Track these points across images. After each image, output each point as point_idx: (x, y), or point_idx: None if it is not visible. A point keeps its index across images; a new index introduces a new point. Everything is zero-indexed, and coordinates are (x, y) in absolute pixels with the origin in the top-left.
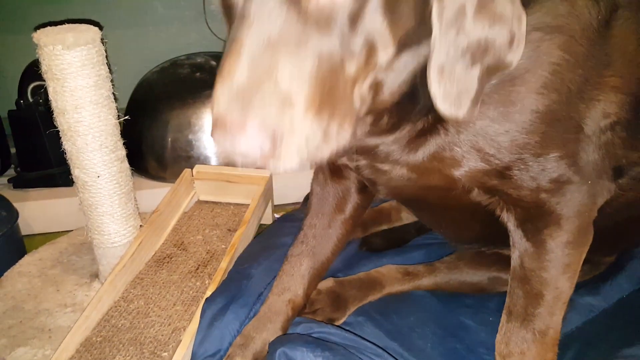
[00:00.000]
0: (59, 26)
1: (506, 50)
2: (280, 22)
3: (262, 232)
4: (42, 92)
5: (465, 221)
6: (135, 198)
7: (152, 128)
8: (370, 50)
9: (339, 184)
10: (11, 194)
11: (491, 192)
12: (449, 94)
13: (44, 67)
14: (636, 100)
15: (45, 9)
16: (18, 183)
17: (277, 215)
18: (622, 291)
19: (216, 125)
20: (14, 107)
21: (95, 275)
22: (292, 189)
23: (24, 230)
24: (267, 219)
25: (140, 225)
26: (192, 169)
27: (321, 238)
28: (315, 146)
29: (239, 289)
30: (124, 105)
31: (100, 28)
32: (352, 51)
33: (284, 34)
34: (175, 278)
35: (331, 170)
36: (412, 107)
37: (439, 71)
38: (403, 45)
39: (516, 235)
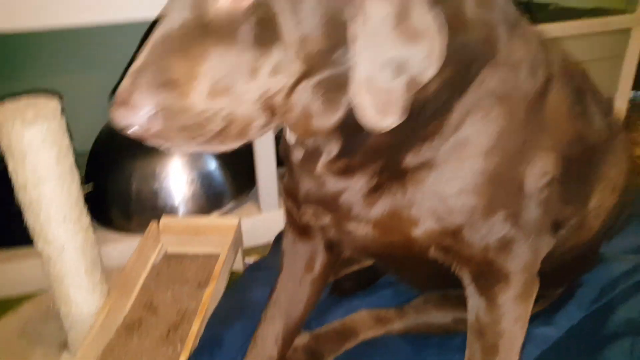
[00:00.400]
0: (18, 100)
1: (423, 66)
2: (181, 21)
3: (233, 284)
4: None
5: (428, 273)
6: (101, 263)
7: (116, 178)
8: (269, 64)
9: (307, 243)
10: None
11: (446, 250)
12: (374, 105)
13: (3, 144)
14: (567, 159)
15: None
16: None
17: (247, 261)
18: (572, 319)
19: (114, 101)
20: None
21: (64, 345)
22: (261, 230)
23: None
24: (238, 265)
25: (108, 291)
26: (158, 219)
27: (293, 298)
28: (198, 130)
29: (211, 358)
30: (87, 147)
31: (60, 97)
32: (248, 60)
33: (182, 29)
34: (147, 345)
35: (299, 229)
36: (355, 143)
37: (363, 84)
38: (313, 64)
39: (470, 291)
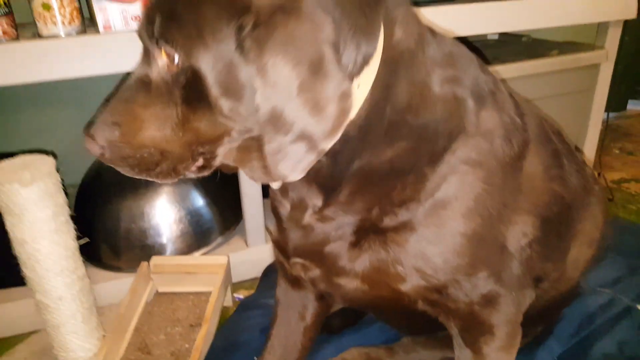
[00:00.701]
0: (15, 160)
1: (322, 138)
2: (136, 77)
3: (225, 322)
4: None
5: (417, 321)
6: (96, 310)
7: (104, 218)
8: (194, 119)
9: (299, 293)
10: None
11: (433, 304)
12: (284, 167)
13: (1, 201)
14: (545, 220)
15: None
16: None
17: (237, 296)
18: (553, 353)
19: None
20: None
21: None
22: (248, 264)
23: None
24: (227, 301)
25: (103, 335)
26: (146, 257)
27: (287, 346)
28: (137, 162)
29: None
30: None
31: (55, 157)
32: (177, 113)
33: (135, 83)
34: None
35: (290, 280)
36: (333, 198)
37: (271, 152)
38: (231, 123)
39: (457, 341)
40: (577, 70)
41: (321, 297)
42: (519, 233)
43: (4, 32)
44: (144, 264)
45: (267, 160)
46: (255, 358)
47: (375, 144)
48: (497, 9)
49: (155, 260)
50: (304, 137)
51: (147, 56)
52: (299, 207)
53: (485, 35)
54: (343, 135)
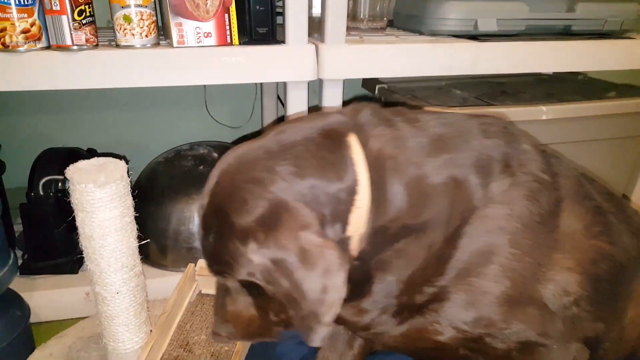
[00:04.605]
0: (91, 161)
1: (317, 318)
2: (221, 290)
3: None
4: (52, 187)
5: None
6: (147, 305)
7: (156, 218)
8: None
9: None
10: (18, 282)
11: (473, 350)
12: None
13: (74, 200)
14: (593, 278)
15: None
16: (25, 270)
17: None
18: None
19: None
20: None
21: None
22: None
23: (31, 319)
24: None
25: (150, 330)
26: (194, 260)
27: None
28: None
29: None
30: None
31: (126, 162)
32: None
33: (222, 296)
34: None
35: None
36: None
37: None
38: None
39: None
40: (634, 115)
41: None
42: (561, 291)
43: (87, 40)
44: (191, 265)
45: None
46: None
47: (386, 244)
48: (555, 49)
49: (201, 263)
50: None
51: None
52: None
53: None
54: (360, 245)
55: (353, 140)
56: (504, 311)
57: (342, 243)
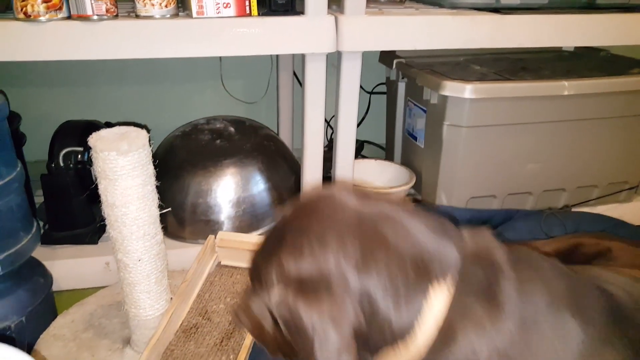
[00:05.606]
0: (113, 130)
1: None
2: None
3: None
4: (72, 158)
5: None
6: (167, 273)
7: (174, 191)
8: None
9: None
10: (39, 251)
11: None
12: None
13: (97, 168)
14: None
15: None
16: (46, 240)
17: None
18: None
19: None
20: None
21: (127, 341)
22: None
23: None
24: None
25: (171, 298)
26: (211, 232)
27: None
28: None
29: None
30: None
31: (148, 131)
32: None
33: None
34: (202, 351)
35: None
36: None
37: None
38: None
39: None
40: None
41: None
42: None
43: (107, 10)
44: (211, 237)
45: None
46: None
47: None
48: (578, 22)
49: (221, 235)
50: None
51: None
52: None
53: (560, 47)
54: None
55: (440, 293)
56: None
57: None
